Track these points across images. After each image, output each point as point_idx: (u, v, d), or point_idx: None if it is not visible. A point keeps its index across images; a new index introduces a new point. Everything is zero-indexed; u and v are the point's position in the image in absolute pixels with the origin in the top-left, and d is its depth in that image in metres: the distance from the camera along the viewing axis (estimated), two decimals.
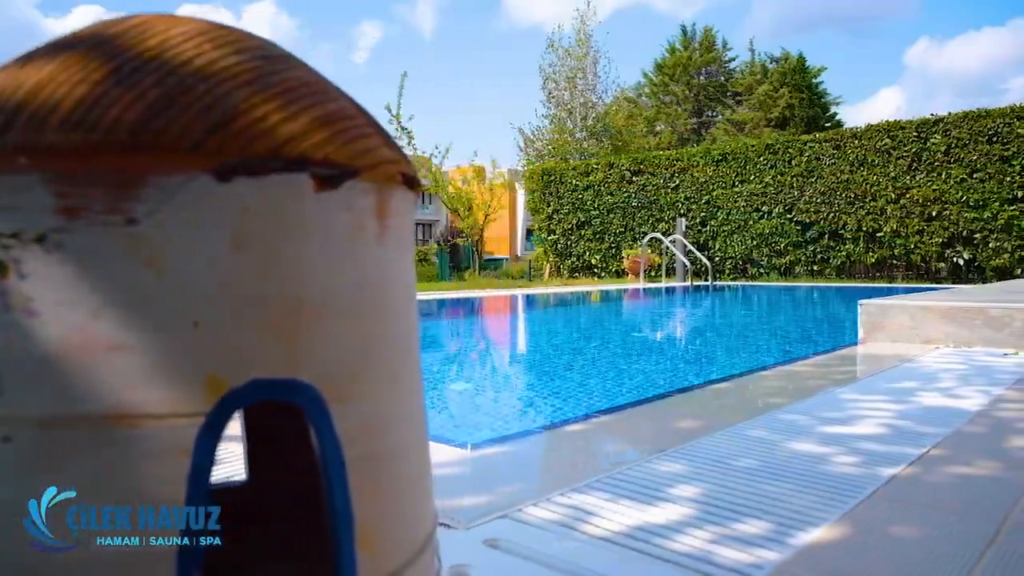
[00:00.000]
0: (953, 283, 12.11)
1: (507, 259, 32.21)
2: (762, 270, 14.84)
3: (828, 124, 31.54)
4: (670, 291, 12.60)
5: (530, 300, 10.58)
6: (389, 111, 15.93)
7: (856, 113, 79.27)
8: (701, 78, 36.26)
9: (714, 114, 36.42)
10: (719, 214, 15.23)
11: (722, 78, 36.29)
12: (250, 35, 0.65)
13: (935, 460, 1.78)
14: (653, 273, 15.37)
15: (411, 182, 0.70)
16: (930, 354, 3.61)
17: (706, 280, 14.45)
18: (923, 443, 1.93)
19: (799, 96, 32.27)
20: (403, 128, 16.07)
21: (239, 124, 0.54)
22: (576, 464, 1.91)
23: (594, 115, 24.60)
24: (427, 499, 0.72)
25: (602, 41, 52.56)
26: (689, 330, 6.74)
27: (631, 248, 15.92)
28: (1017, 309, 3.69)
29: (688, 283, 13.87)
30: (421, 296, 10.82)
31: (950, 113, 12.52)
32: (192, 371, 0.52)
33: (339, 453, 0.59)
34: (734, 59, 36.70)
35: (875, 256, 13.35)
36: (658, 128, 35.52)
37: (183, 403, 0.51)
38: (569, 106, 24.50)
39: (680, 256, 14.16)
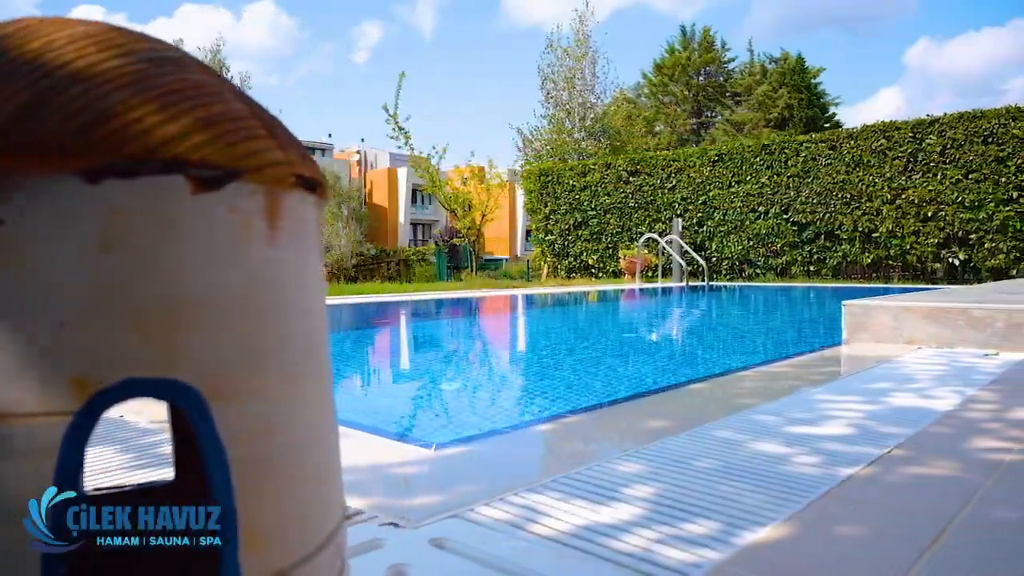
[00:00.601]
0: (949, 283, 12.11)
1: (507, 259, 32.26)
2: (758, 270, 14.84)
3: (827, 124, 31.56)
4: (664, 292, 12.60)
5: (522, 301, 10.58)
6: (386, 111, 15.95)
7: (856, 113, 79.31)
8: (700, 78, 36.28)
9: (713, 114, 36.44)
10: (715, 214, 15.23)
11: (721, 78, 36.31)
12: (146, 38, 0.66)
13: (895, 460, 1.78)
14: (650, 274, 15.37)
15: (309, 184, 0.70)
16: (911, 354, 3.61)
17: (702, 280, 14.45)
18: (886, 443, 1.93)
19: (798, 96, 32.29)
20: (400, 128, 16.08)
21: (112, 126, 0.55)
22: (537, 464, 1.92)
23: (592, 115, 24.61)
24: (330, 496, 0.72)
25: (601, 42, 52.57)
26: (676, 331, 6.74)
27: (628, 248, 15.93)
28: (999, 310, 3.69)
29: (684, 283, 13.87)
30: (415, 296, 10.82)
31: (946, 114, 12.53)
32: (58, 370, 0.52)
33: (221, 452, 0.59)
34: (733, 60, 36.74)
35: (871, 256, 13.36)
36: (657, 128, 35.53)
37: (49, 402, 0.52)
38: (568, 106, 24.51)
39: (676, 257, 14.16)
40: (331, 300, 10.13)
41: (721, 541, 1.28)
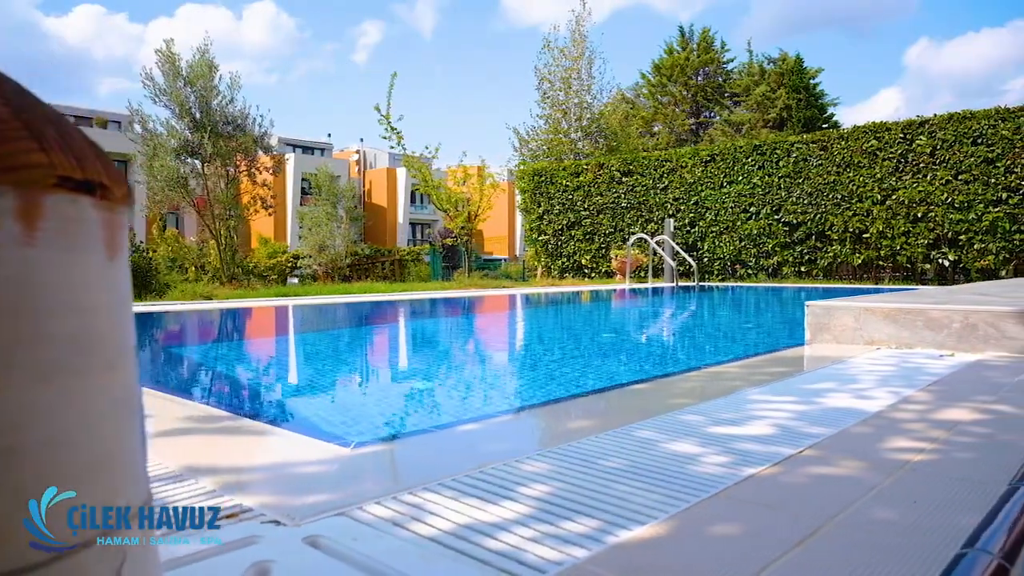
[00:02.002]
0: (939, 284, 12.10)
1: (507, 259, 32.29)
2: (750, 271, 14.84)
3: (826, 125, 31.51)
4: (652, 292, 12.60)
5: (506, 301, 10.60)
6: (379, 111, 15.96)
7: (855, 114, 79.26)
8: (699, 79, 36.25)
9: (712, 115, 36.41)
10: (707, 215, 15.24)
11: (720, 79, 36.28)
12: None
13: (803, 460, 1.79)
14: (642, 274, 15.38)
15: (84, 186, 0.71)
16: (866, 355, 3.62)
17: (693, 281, 14.45)
18: (801, 443, 1.94)
19: (796, 97, 32.25)
20: (393, 128, 16.09)
21: None
22: (448, 463, 1.92)
23: (589, 116, 24.61)
24: (100, 496, 0.73)
25: (598, 42, 52.53)
26: (646, 331, 6.75)
27: (620, 249, 15.93)
28: (956, 311, 3.70)
29: (674, 284, 13.87)
30: (400, 296, 10.83)
31: (935, 115, 12.52)
32: None
33: None
34: (732, 60, 36.71)
35: (861, 257, 13.35)
36: (656, 129, 35.53)
37: None
38: (564, 106, 24.52)
39: (667, 257, 14.17)
40: (316, 300, 10.15)
41: (594, 539, 1.29)
